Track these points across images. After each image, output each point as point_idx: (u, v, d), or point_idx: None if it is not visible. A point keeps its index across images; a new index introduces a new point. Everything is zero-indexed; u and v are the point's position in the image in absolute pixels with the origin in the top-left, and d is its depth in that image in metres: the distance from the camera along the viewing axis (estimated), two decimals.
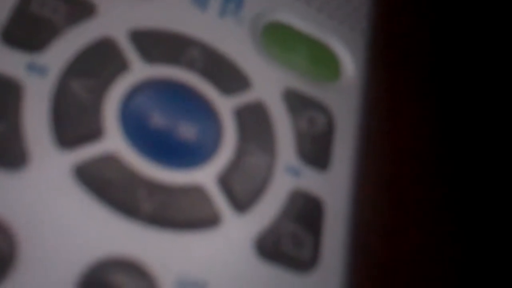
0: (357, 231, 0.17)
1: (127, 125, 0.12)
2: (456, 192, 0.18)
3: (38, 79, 0.12)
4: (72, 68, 0.13)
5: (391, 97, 0.19)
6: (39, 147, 0.12)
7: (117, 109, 0.12)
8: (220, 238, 0.12)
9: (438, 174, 0.18)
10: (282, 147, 0.13)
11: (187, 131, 0.13)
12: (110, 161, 0.12)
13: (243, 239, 0.12)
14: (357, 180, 0.14)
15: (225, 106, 0.13)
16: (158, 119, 0.13)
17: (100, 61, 0.13)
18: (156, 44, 0.13)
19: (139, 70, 0.13)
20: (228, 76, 0.14)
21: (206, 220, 0.12)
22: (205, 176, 0.13)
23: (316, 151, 0.14)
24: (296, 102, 0.14)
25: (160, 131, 0.13)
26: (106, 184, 0.12)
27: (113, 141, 0.12)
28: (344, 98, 0.15)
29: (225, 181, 0.13)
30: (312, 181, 0.13)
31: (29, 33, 0.12)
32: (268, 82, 0.14)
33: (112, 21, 0.13)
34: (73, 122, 0.12)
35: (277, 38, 0.15)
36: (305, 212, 0.13)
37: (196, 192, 0.12)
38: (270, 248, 0.13)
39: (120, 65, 0.13)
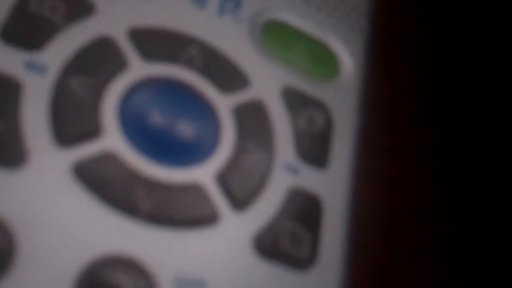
0: (357, 231, 0.17)
1: (126, 123, 0.12)
2: (456, 192, 0.18)
3: (37, 78, 0.12)
4: (71, 66, 0.13)
5: (391, 96, 0.19)
6: (38, 146, 0.12)
7: (116, 108, 0.12)
8: (219, 236, 0.12)
9: (438, 174, 0.18)
10: (280, 145, 0.13)
11: (186, 129, 0.13)
12: (109, 159, 0.12)
13: (242, 237, 0.12)
14: (355, 178, 0.14)
15: (224, 104, 0.13)
16: (157, 117, 0.13)
17: (99, 60, 0.13)
18: (155, 42, 0.13)
19: (138, 69, 0.13)
20: (227, 75, 0.14)
21: (204, 218, 0.12)
22: (204, 174, 0.13)
23: (314, 149, 0.14)
24: (295, 100, 0.14)
25: (159, 129, 0.13)
26: (104, 183, 0.12)
27: (112, 140, 0.12)
28: (342, 97, 0.15)
29: (224, 179, 0.13)
30: (311, 179, 0.13)
31: (28, 32, 0.12)
32: (267, 80, 0.14)
33: (111, 20, 0.13)
34: (72, 121, 0.12)
35: (276, 36, 0.15)
36: (304, 210, 0.13)
37: (194, 191, 0.12)
38: (269, 246, 0.13)
39: (119, 64, 0.13)
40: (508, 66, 0.20)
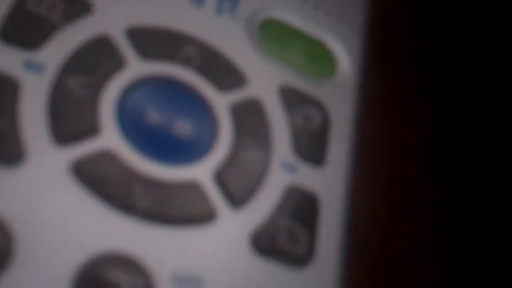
0: (357, 230, 0.17)
1: (124, 121, 0.12)
2: (456, 192, 0.18)
3: (35, 77, 0.12)
4: (69, 65, 0.13)
5: (390, 95, 0.19)
6: (36, 144, 0.12)
7: (113, 106, 0.13)
8: (216, 234, 0.12)
9: (438, 173, 0.18)
10: (278, 143, 0.14)
11: (183, 127, 0.13)
12: (106, 157, 0.12)
13: (239, 235, 0.12)
14: (352, 176, 0.14)
15: (221, 102, 0.13)
16: (154, 115, 0.13)
17: (96, 59, 0.13)
18: (153, 41, 0.13)
19: (136, 67, 0.13)
20: (224, 73, 0.14)
21: (202, 216, 0.12)
22: (201, 172, 0.13)
23: (311, 147, 0.14)
24: (292, 98, 0.14)
25: (156, 127, 0.13)
26: (102, 181, 0.12)
27: (110, 138, 0.12)
28: (340, 95, 0.15)
29: (221, 177, 0.13)
30: (308, 177, 0.13)
31: (26, 31, 0.13)
32: (264, 78, 0.14)
33: (108, 19, 0.13)
34: (70, 119, 0.12)
35: (273, 35, 0.15)
36: (301, 208, 0.13)
37: (192, 188, 0.12)
38: (266, 243, 0.13)
39: (116, 62, 0.13)
40: (508, 66, 0.20)
